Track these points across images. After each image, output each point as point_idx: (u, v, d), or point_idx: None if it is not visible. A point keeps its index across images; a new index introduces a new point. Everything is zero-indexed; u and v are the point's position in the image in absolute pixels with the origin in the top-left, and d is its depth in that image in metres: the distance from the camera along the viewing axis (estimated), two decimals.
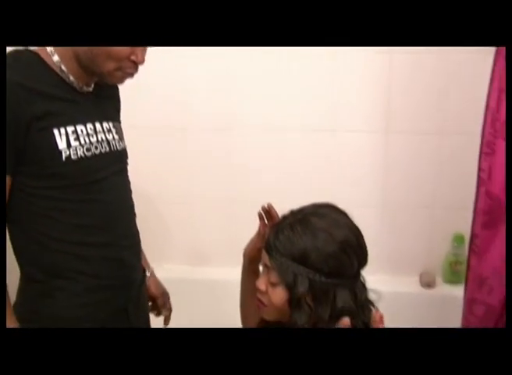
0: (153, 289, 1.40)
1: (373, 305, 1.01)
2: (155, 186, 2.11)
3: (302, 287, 0.92)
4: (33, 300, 1.10)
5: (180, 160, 2.11)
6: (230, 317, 1.96)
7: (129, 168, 1.25)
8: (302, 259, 0.92)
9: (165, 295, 1.46)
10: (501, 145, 1.30)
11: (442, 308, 1.94)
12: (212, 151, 2.08)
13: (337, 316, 0.93)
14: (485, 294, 1.42)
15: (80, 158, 1.05)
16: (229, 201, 2.12)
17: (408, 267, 2.06)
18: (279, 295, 0.96)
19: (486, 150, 1.35)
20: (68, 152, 1.02)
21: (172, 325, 1.48)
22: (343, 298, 0.93)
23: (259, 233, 1.14)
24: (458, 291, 1.94)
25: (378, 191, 2.02)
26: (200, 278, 2.16)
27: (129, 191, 1.25)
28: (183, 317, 2.04)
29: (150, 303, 1.41)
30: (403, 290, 1.98)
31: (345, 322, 0.77)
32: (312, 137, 2.00)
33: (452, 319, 1.73)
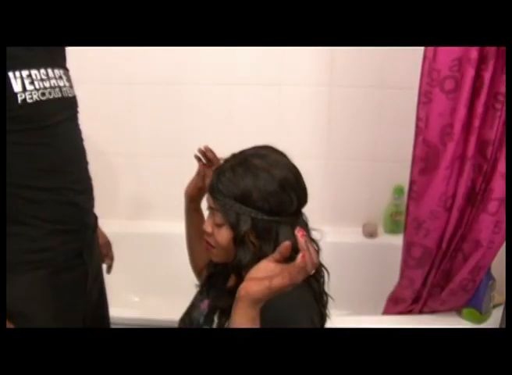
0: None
1: (316, 243, 1.05)
2: (102, 138, 2.08)
3: (245, 226, 0.95)
4: None
5: (127, 112, 2.10)
6: (174, 269, 2.02)
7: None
8: (244, 199, 0.94)
9: (108, 245, 1.50)
10: (437, 94, 1.37)
11: (384, 256, 2.04)
12: (160, 104, 2.07)
13: None
14: (422, 236, 1.51)
15: (36, 102, 1.05)
16: (175, 154, 2.14)
17: (351, 218, 2.14)
18: (224, 235, 0.98)
19: (423, 99, 1.41)
20: (23, 96, 1.02)
21: (117, 276, 1.51)
22: (285, 234, 0.96)
23: (198, 173, 1.19)
24: (399, 241, 2.06)
25: (322, 144, 2.07)
26: (144, 232, 2.20)
27: (81, 138, 1.25)
28: (128, 270, 2.07)
29: None
30: (347, 240, 2.07)
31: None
32: (259, 90, 2.02)
33: (393, 266, 1.84)
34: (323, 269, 1.04)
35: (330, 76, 1.98)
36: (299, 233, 0.77)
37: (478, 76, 1.32)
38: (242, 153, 1.01)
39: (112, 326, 1.52)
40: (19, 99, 1.02)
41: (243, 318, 0.78)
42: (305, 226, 1.03)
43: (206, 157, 1.18)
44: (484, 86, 1.31)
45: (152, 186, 2.23)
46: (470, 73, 1.30)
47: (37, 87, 1.06)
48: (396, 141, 2.04)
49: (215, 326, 1.04)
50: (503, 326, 1.55)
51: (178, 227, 1.90)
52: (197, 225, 1.24)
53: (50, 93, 1.10)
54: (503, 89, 1.31)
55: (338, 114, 2.04)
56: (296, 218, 1.01)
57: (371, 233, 2.10)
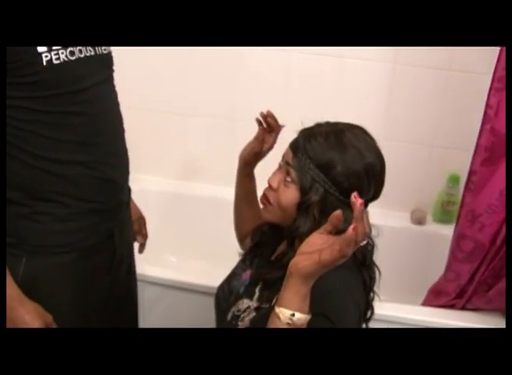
0: None
1: (371, 239, 1.01)
2: (144, 95, 2.07)
3: (316, 195, 0.92)
4: (9, 223, 0.99)
5: (183, 71, 2.06)
6: (215, 234, 2.02)
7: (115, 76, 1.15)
8: (326, 168, 0.91)
9: (141, 220, 1.41)
10: None
11: (430, 245, 1.98)
12: (218, 66, 2.03)
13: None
14: (476, 230, 1.44)
15: (63, 63, 0.93)
16: (228, 118, 2.11)
17: (401, 203, 2.07)
18: (289, 195, 0.95)
19: (497, 86, 1.32)
20: (49, 56, 0.91)
21: (158, 235, 1.49)
22: (347, 219, 0.93)
23: (257, 138, 1.15)
24: (447, 230, 1.99)
25: (379, 123, 1.97)
26: (190, 193, 2.18)
27: (117, 103, 1.14)
28: (170, 231, 2.08)
29: None
30: (393, 224, 2.00)
31: (336, 214, 0.75)
32: (319, 60, 1.95)
33: (439, 256, 1.78)
34: (376, 267, 1.01)
35: (396, 52, 1.88)
36: (357, 200, 0.71)
37: None
38: (337, 124, 0.97)
39: (147, 285, 1.52)
40: (44, 60, 0.90)
41: (294, 295, 0.76)
42: (367, 220, 0.99)
43: (266, 122, 1.14)
44: None
45: (202, 148, 2.21)
46: None
47: None
48: (458, 127, 1.95)
49: (255, 298, 1.02)
50: None
51: (224, 192, 1.91)
52: (247, 190, 1.23)
53: (80, 51, 0.97)
54: None
55: (399, 93, 1.95)
56: (364, 208, 0.97)
57: (419, 220, 2.03)
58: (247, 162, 1.19)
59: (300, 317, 0.76)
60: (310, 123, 0.99)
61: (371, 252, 1.01)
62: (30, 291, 1.01)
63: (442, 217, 2.03)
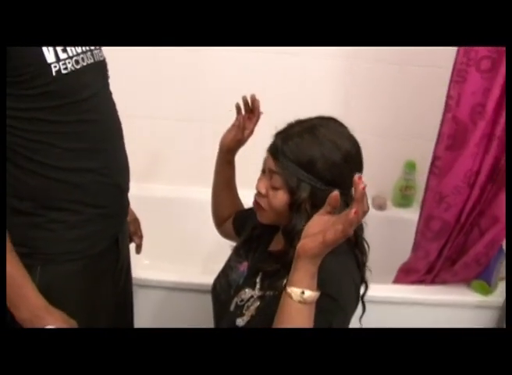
0: None
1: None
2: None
3: (304, 193, 0.97)
4: (22, 233, 1.00)
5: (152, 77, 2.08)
6: (185, 234, 2.05)
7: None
8: (308, 166, 0.97)
9: (136, 222, 1.42)
10: (472, 73, 1.41)
11: (392, 228, 2.12)
12: (181, 69, 2.06)
13: None
14: (443, 210, 1.57)
15: (71, 72, 0.95)
16: (188, 119, 2.15)
17: None
18: (280, 199, 1.00)
19: (456, 78, 1.45)
20: (58, 66, 0.92)
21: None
22: (338, 207, 1.00)
23: (238, 125, 1.22)
24: (407, 214, 2.15)
25: (340, 116, 2.08)
26: (154, 195, 2.20)
27: (116, 109, 1.15)
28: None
29: None
30: None
31: (334, 195, 0.78)
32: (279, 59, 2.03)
33: (401, 238, 1.92)
34: (365, 243, 1.08)
35: (353, 48, 1.99)
36: (360, 182, 0.73)
37: None
38: (308, 121, 1.02)
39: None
40: (54, 71, 0.91)
41: (304, 275, 0.81)
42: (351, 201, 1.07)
43: (250, 107, 1.20)
44: None
45: (163, 150, 2.23)
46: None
47: (70, 54, 0.95)
48: (411, 118, 2.10)
49: (257, 288, 1.06)
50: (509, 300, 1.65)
51: (187, 191, 1.93)
52: (227, 176, 1.29)
53: (83, 59, 0.99)
54: None
55: (357, 88, 2.07)
56: (349, 193, 1.04)
57: (380, 206, 2.16)
58: (229, 150, 1.24)
59: (311, 294, 0.81)
60: (279, 123, 1.04)
61: (362, 230, 1.08)
62: (46, 298, 1.01)
63: (402, 201, 2.18)
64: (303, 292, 0.80)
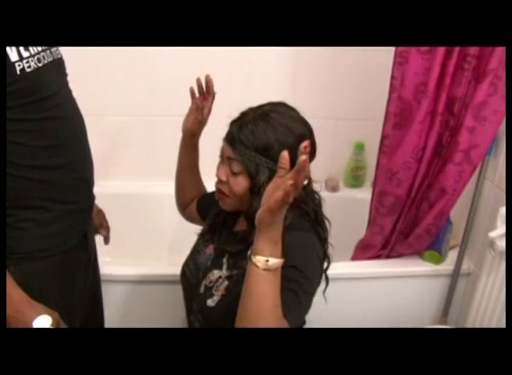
0: None
1: (318, 194, 1.16)
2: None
3: (263, 176, 1.02)
4: None
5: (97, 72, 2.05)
6: (145, 230, 2.05)
7: None
8: (264, 151, 1.02)
9: (100, 213, 1.43)
10: (414, 55, 1.49)
11: (347, 207, 2.20)
12: (132, 68, 2.05)
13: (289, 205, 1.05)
14: (394, 186, 1.65)
15: (34, 70, 0.94)
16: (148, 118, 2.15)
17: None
18: (240, 184, 1.05)
19: (399, 60, 1.52)
20: (21, 65, 0.91)
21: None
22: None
23: (196, 107, 1.25)
24: (359, 193, 2.23)
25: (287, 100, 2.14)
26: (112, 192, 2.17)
27: (77, 105, 1.15)
28: None
29: None
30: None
31: (283, 154, 0.81)
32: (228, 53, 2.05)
33: (356, 217, 2.00)
34: (326, 219, 1.14)
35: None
36: (304, 149, 0.76)
37: None
38: (260, 107, 1.07)
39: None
40: (18, 69, 0.91)
41: (266, 243, 0.84)
42: (310, 180, 1.13)
43: (203, 87, 1.24)
44: (455, 48, 1.44)
45: (117, 146, 2.21)
46: None
47: (32, 52, 0.95)
48: (357, 100, 2.17)
49: (224, 268, 1.10)
50: (459, 267, 1.76)
51: (143, 186, 1.92)
52: (191, 161, 1.33)
53: (44, 57, 0.99)
54: (471, 51, 1.45)
55: (302, 75, 2.13)
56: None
57: (333, 188, 2.24)
58: (193, 133, 1.28)
59: (275, 261, 0.84)
60: (231, 112, 1.07)
61: (320, 206, 1.15)
62: None
63: (353, 182, 2.27)
64: (267, 260, 0.83)
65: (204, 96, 1.25)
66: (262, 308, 0.85)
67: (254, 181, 1.03)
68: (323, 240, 1.11)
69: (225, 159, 1.08)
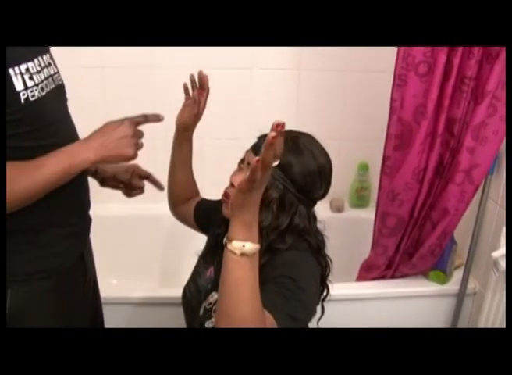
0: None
1: (322, 234, 1.16)
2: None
3: (276, 192, 1.03)
4: None
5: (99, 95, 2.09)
6: (148, 251, 2.05)
7: None
8: (285, 169, 1.03)
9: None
10: (412, 77, 1.51)
11: (352, 228, 2.21)
12: (133, 87, 2.09)
13: (291, 230, 1.06)
14: (397, 207, 1.66)
15: (38, 99, 0.97)
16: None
17: None
18: None
19: (398, 82, 1.55)
20: (26, 94, 0.94)
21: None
22: (302, 214, 1.07)
23: (194, 101, 1.27)
24: (364, 214, 2.24)
25: (290, 125, 2.17)
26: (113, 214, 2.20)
27: (75, 129, 1.17)
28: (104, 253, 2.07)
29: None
30: (317, 215, 2.19)
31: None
32: (231, 74, 2.10)
33: (361, 237, 2.00)
34: (328, 259, 1.13)
35: (299, 59, 2.08)
36: (276, 127, 0.73)
37: (448, 61, 1.46)
38: (291, 131, 1.08)
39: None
40: (22, 98, 0.94)
41: (239, 227, 0.80)
42: (313, 217, 1.13)
43: (200, 82, 1.27)
44: (453, 70, 1.46)
45: None
46: (442, 58, 1.45)
47: (36, 81, 0.98)
48: (360, 121, 2.20)
49: None
50: (464, 286, 1.75)
51: (140, 209, 1.92)
52: (185, 155, 1.34)
53: (46, 85, 1.02)
54: (469, 73, 1.47)
55: (306, 96, 2.15)
56: (314, 205, 1.12)
57: (338, 208, 2.25)
58: (187, 126, 1.30)
59: (252, 246, 0.80)
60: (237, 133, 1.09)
61: (324, 243, 1.15)
62: (18, 320, 1.03)
63: (358, 202, 2.27)
64: (243, 245, 0.80)
65: (198, 91, 1.28)
66: (239, 296, 0.80)
67: (265, 193, 1.03)
68: (323, 267, 1.10)
69: (245, 166, 1.09)
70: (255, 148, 1.08)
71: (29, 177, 0.94)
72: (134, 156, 1.06)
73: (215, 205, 1.21)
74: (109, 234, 2.15)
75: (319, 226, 1.16)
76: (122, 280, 2.18)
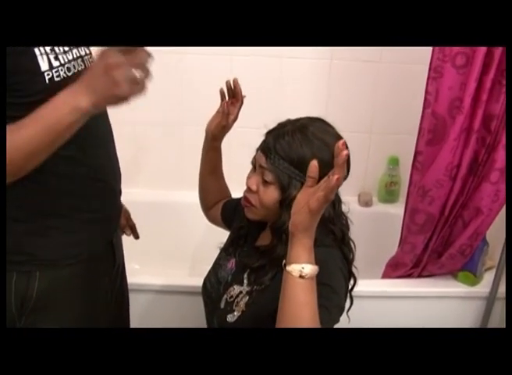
0: None
1: (345, 216, 1.13)
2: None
3: (295, 190, 0.99)
4: (17, 241, 1.00)
5: None
6: (173, 238, 2.05)
7: None
8: (299, 164, 0.99)
9: (126, 213, 1.41)
10: (448, 69, 1.44)
11: (380, 224, 2.15)
12: (161, 72, 2.06)
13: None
14: (427, 204, 1.60)
15: (63, 79, 0.94)
16: (178, 125, 2.16)
17: (348, 188, 2.20)
18: (270, 195, 1.03)
19: (433, 74, 1.48)
20: (51, 74, 0.92)
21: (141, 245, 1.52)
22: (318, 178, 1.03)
23: (223, 111, 1.24)
24: (393, 209, 2.18)
25: (320, 116, 2.12)
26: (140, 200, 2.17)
27: (106, 112, 1.14)
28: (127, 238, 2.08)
29: None
30: (345, 209, 2.14)
31: (313, 164, 0.82)
32: (261, 61, 2.05)
33: (389, 233, 1.95)
34: (352, 242, 1.10)
35: (331, 48, 2.03)
36: (343, 148, 0.76)
37: (488, 53, 1.39)
38: (298, 120, 1.05)
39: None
40: (47, 78, 0.91)
41: (301, 250, 0.83)
42: (340, 201, 1.11)
43: (233, 91, 1.23)
44: (493, 62, 1.39)
45: (146, 154, 2.25)
46: (481, 50, 1.37)
47: (62, 61, 0.95)
48: (391, 114, 2.13)
49: (245, 284, 1.09)
50: (495, 289, 1.68)
51: (169, 195, 1.91)
52: (214, 163, 1.32)
53: (74, 66, 0.99)
54: None
55: (337, 87, 2.10)
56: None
57: (366, 202, 2.19)
58: (215, 136, 1.27)
59: (312, 268, 0.83)
60: (265, 123, 1.07)
61: (348, 229, 1.11)
62: (46, 304, 1.04)
63: (387, 197, 2.21)
64: (303, 267, 0.82)
65: (231, 101, 1.25)
66: (302, 317, 0.84)
67: (284, 194, 1.01)
68: (349, 260, 1.08)
69: (257, 168, 1.06)
70: (264, 149, 1.04)
71: (10, 141, 0.85)
72: (129, 93, 0.86)
73: (238, 203, 1.18)
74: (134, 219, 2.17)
75: (343, 208, 1.13)
76: (145, 267, 2.18)
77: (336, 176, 0.76)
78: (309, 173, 0.83)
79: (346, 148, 0.86)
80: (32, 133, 0.86)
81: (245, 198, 1.09)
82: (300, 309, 0.83)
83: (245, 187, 1.10)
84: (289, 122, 1.06)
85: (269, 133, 1.06)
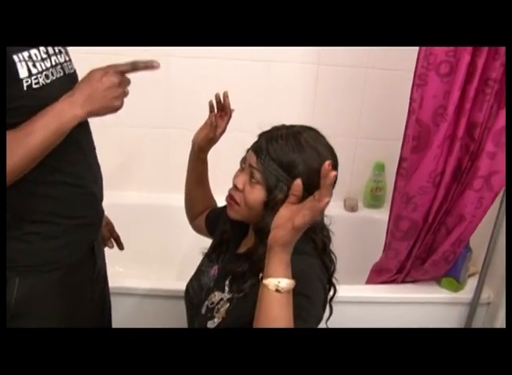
0: None
1: (327, 229, 1.13)
2: None
3: (281, 193, 1.00)
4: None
5: None
6: (156, 240, 2.05)
7: None
8: (288, 168, 1.00)
9: (109, 226, 1.42)
10: (432, 77, 1.45)
11: (365, 229, 2.16)
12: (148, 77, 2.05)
13: None
14: (411, 211, 1.61)
15: (42, 87, 0.96)
16: (166, 128, 2.16)
17: (334, 193, 2.21)
18: (256, 195, 1.03)
19: (418, 82, 1.49)
20: (29, 81, 0.93)
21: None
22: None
23: (211, 124, 1.24)
24: (377, 214, 2.19)
25: (307, 121, 2.13)
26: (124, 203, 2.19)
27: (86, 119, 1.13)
28: None
29: None
30: (330, 213, 2.14)
31: (297, 183, 0.83)
32: (248, 66, 2.05)
33: (373, 238, 1.95)
34: (333, 254, 1.10)
35: (318, 53, 2.03)
36: (329, 166, 0.77)
37: (471, 62, 1.40)
38: (293, 127, 1.06)
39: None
40: (25, 85, 0.92)
41: (278, 264, 0.84)
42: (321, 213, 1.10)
43: (221, 104, 1.24)
44: (476, 71, 1.40)
45: (133, 157, 2.23)
46: (465, 59, 1.38)
47: (40, 69, 0.96)
48: (378, 120, 2.14)
49: (226, 291, 1.09)
50: (478, 296, 1.70)
51: (157, 198, 1.89)
52: (200, 173, 1.33)
53: (52, 73, 1.00)
54: (493, 75, 1.41)
55: (324, 91, 2.10)
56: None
57: (352, 207, 2.20)
58: (202, 148, 1.27)
59: (288, 282, 0.84)
60: (252, 128, 1.07)
61: (330, 240, 1.12)
62: (24, 310, 1.04)
63: (372, 202, 2.22)
64: (279, 282, 0.83)
65: (220, 113, 1.25)
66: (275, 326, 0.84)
67: (270, 195, 1.01)
68: (329, 269, 1.08)
69: (246, 167, 1.07)
70: (256, 149, 1.05)
71: (20, 147, 0.91)
72: (120, 107, 1.02)
73: (223, 209, 1.19)
74: (118, 222, 2.15)
75: (325, 220, 1.12)
76: (129, 269, 2.17)
77: (325, 200, 0.77)
78: (293, 191, 0.84)
79: (334, 169, 0.87)
80: (41, 139, 0.92)
81: (230, 195, 1.09)
82: (274, 323, 0.84)
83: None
84: (283, 126, 1.06)
85: (262, 135, 1.06)
